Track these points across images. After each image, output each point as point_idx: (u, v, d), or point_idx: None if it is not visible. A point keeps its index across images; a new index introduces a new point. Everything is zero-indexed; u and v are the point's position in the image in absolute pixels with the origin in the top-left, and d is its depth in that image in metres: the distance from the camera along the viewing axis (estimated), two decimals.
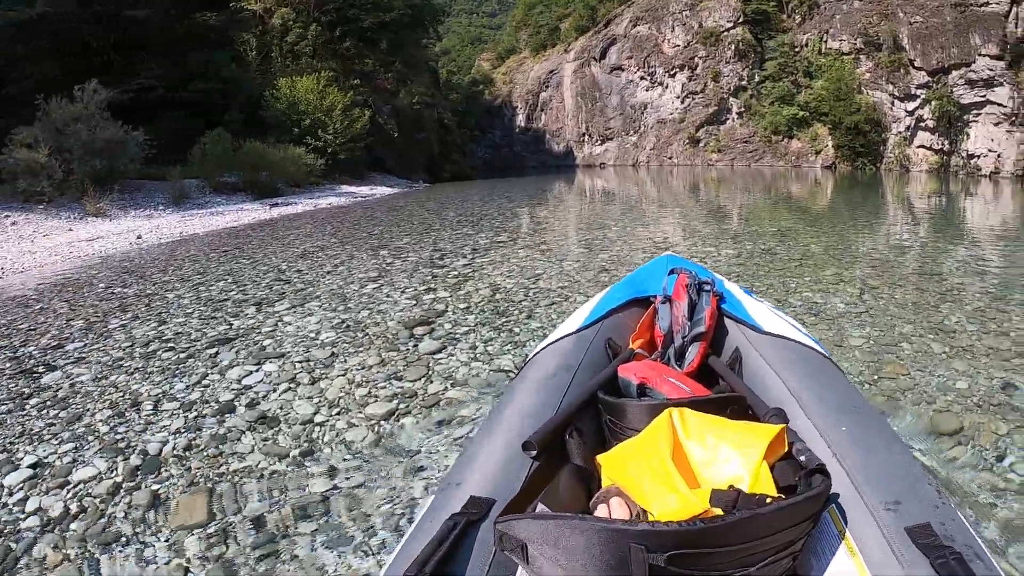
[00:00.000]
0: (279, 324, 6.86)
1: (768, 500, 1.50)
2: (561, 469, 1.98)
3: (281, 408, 4.67)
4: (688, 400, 2.09)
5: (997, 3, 44.21)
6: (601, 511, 1.71)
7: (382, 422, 4.36)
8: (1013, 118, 43.34)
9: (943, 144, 47.77)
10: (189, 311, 7.69)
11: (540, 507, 1.75)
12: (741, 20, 60.97)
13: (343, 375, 5.27)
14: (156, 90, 28.84)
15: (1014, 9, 43.99)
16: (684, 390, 2.26)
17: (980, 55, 44.24)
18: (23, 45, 26.47)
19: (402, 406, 4.58)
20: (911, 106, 49.03)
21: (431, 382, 5.04)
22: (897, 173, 47.39)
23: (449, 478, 1.95)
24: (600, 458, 1.90)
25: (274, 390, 5.01)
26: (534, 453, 1.92)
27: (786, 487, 1.70)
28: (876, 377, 4.89)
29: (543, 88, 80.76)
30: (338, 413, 4.55)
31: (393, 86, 42.84)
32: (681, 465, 1.66)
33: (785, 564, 1.52)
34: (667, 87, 66.09)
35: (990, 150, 44.79)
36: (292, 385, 5.09)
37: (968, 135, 46.07)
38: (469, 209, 19.36)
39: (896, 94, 49.57)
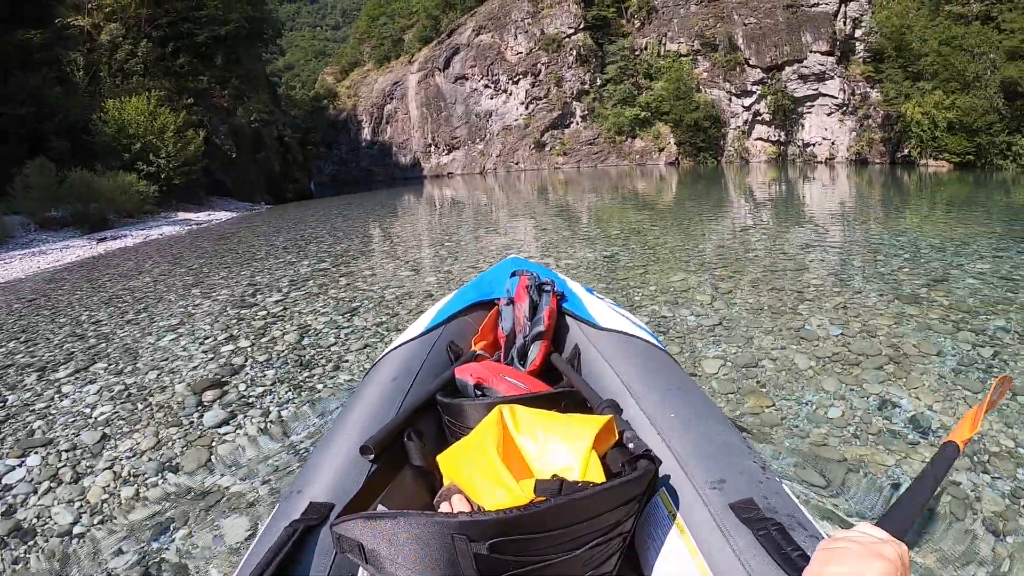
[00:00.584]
0: (56, 397, 5.73)
1: (590, 486, 1.49)
2: (401, 471, 2.02)
3: (38, 516, 3.76)
4: (521, 396, 2.18)
5: (827, 3, 46.53)
6: (443, 509, 1.69)
7: (147, 533, 3.47)
8: (844, 108, 45.64)
9: (780, 135, 50.45)
10: None
11: (380, 508, 1.78)
12: (582, 26, 61.72)
13: (110, 467, 4.29)
14: None
15: (842, 8, 46.29)
16: (520, 387, 2.29)
17: (811, 52, 46.76)
18: None
19: (173, 511, 3.66)
20: (748, 102, 51.52)
21: (211, 471, 4.11)
22: (738, 165, 49.86)
23: (291, 486, 1.96)
24: (438, 458, 1.85)
25: (35, 491, 4.06)
26: (372, 456, 1.96)
27: (616, 473, 1.69)
28: (738, 412, 4.37)
29: (388, 100, 79.89)
30: (100, 522, 3.64)
31: (230, 103, 40.78)
32: (513, 459, 1.68)
33: (615, 546, 1.55)
34: (511, 94, 66.12)
35: (824, 138, 47.63)
36: (53, 484, 4.14)
37: (803, 126, 49.01)
38: (300, 232, 18.12)
39: (733, 91, 51.81)
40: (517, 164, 64.74)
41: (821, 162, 47.04)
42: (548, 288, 2.91)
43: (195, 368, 6.15)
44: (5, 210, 22.87)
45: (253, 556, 1.62)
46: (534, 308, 2.83)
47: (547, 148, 63.16)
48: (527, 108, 64.86)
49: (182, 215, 29.47)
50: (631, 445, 1.79)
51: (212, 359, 6.37)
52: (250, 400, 5.24)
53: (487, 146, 68.39)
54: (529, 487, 1.50)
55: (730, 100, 52.67)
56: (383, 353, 2.97)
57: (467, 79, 69.40)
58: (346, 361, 5.99)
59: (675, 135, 54.55)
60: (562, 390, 2.37)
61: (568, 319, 2.96)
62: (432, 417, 2.31)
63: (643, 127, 57.33)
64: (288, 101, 68.51)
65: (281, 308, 8.42)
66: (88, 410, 5.30)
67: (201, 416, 4.99)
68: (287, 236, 17.29)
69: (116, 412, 5.21)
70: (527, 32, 64.58)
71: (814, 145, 48.78)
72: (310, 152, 60.39)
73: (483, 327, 3.04)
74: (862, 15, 46.78)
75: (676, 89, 53.21)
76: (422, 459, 2.07)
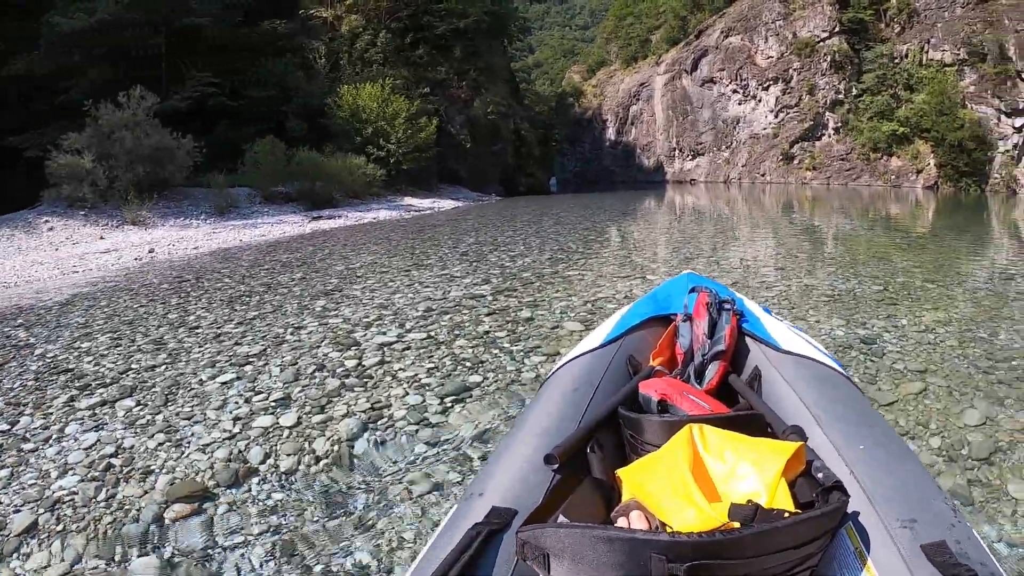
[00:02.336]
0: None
1: (786, 515, 1.49)
2: (582, 482, 1.97)
3: None
4: (707, 417, 2.10)
5: None
6: (621, 524, 1.65)
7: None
8: None
9: None
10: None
11: (561, 519, 1.73)
12: (837, 30, 58.63)
13: None
14: (215, 97, 28.77)
15: None
16: (704, 407, 2.26)
17: None
18: (81, 53, 26.57)
19: None
20: (1019, 122, 45.97)
21: None
22: (1004, 195, 44.03)
23: (471, 489, 1.93)
24: (620, 472, 1.84)
25: None
26: (556, 466, 1.91)
27: (804, 503, 1.71)
28: None
29: (633, 101, 79.88)
30: None
31: (467, 95, 41.51)
32: (701, 480, 1.65)
33: None
34: (760, 100, 64.17)
35: None
36: None
37: None
38: (497, 236, 16.20)
39: (1003, 109, 46.56)
40: (763, 175, 62.78)
41: None
42: (728, 307, 2.91)
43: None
44: (234, 183, 24.23)
45: (432, 555, 1.62)
46: (713, 326, 2.82)
47: (795, 161, 60.60)
48: (776, 116, 62.61)
49: (407, 200, 30.41)
50: (820, 475, 1.75)
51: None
52: None
53: (733, 154, 66.82)
54: (720, 510, 1.49)
55: (999, 119, 47.19)
56: (561, 362, 2.96)
57: (715, 83, 68.15)
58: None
59: (935, 156, 50.01)
60: (746, 412, 2.29)
61: (748, 340, 2.90)
62: (612, 430, 2.29)
63: (900, 144, 53.42)
64: (533, 97, 69.39)
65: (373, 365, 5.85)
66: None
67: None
68: (483, 237, 16.16)
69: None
70: (778, 35, 62.42)
71: None
72: (552, 148, 60.94)
73: (661, 342, 2.97)
74: None
75: (939, 103, 48.41)
76: (603, 472, 2.07)
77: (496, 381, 5.19)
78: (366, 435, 4.31)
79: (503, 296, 8.16)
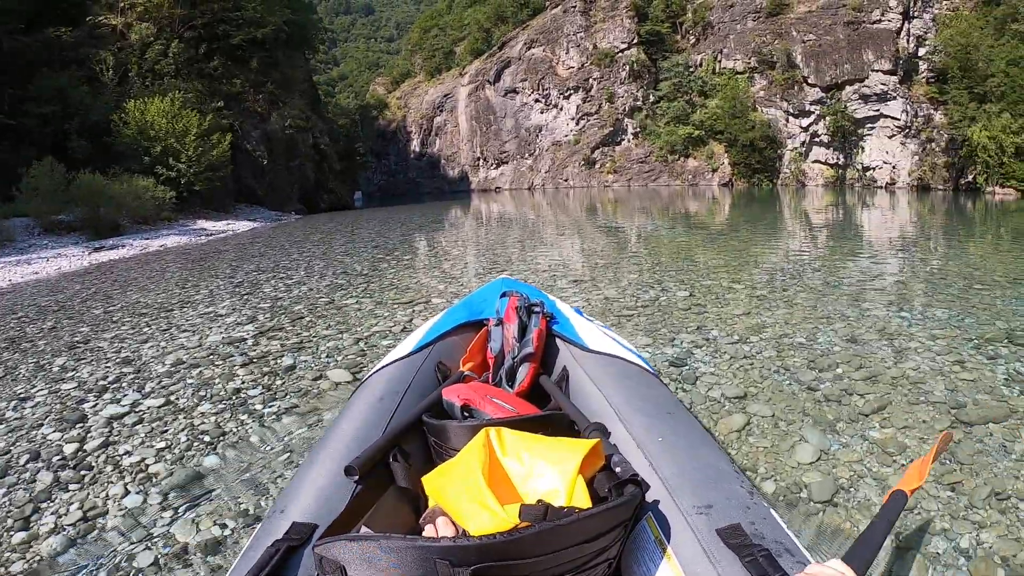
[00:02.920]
0: None
1: (576, 512, 1.49)
2: (385, 492, 2.01)
3: None
4: (508, 419, 2.13)
5: (889, 20, 44.68)
6: (428, 531, 1.69)
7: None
8: (907, 130, 43.73)
9: (838, 158, 48.23)
10: None
11: (364, 530, 1.79)
12: (636, 41, 60.63)
13: None
14: None
15: (905, 25, 44.57)
16: (508, 409, 2.27)
17: (873, 71, 44.76)
18: None
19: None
20: (806, 122, 49.34)
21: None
22: (794, 188, 47.33)
23: (274, 506, 1.91)
24: (424, 479, 1.80)
25: None
26: (356, 477, 1.92)
27: (603, 498, 1.70)
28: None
29: (438, 112, 79.71)
30: None
31: (264, 109, 39.55)
32: (500, 483, 1.65)
33: (600, 572, 1.56)
34: (562, 109, 65.28)
35: (885, 162, 45.44)
36: None
37: (863, 148, 46.69)
38: (281, 260, 14.69)
39: (791, 111, 49.78)
40: (566, 180, 63.85)
41: (881, 187, 44.98)
42: (538, 309, 2.95)
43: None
44: (10, 213, 21.97)
45: (236, 574, 1.60)
46: (523, 329, 2.85)
47: (597, 165, 61.99)
48: (578, 124, 63.89)
49: (200, 223, 28.18)
50: (618, 469, 1.78)
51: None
52: None
53: (536, 161, 67.58)
54: (514, 512, 1.46)
55: (787, 120, 50.71)
56: (371, 372, 2.96)
57: (518, 93, 68.82)
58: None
59: (729, 155, 52.87)
60: (550, 413, 2.35)
61: (558, 341, 2.97)
62: (418, 438, 2.31)
63: (696, 146, 55.85)
64: (335, 110, 68.03)
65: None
66: None
67: None
68: (265, 263, 14.38)
69: None
70: (579, 46, 63.72)
71: (874, 169, 46.63)
72: (357, 162, 59.58)
73: (472, 348, 3.01)
74: (926, 33, 44.56)
75: (732, 107, 51.49)
76: (407, 480, 2.06)
77: (237, 461, 4.00)
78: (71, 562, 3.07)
79: (266, 338, 6.83)
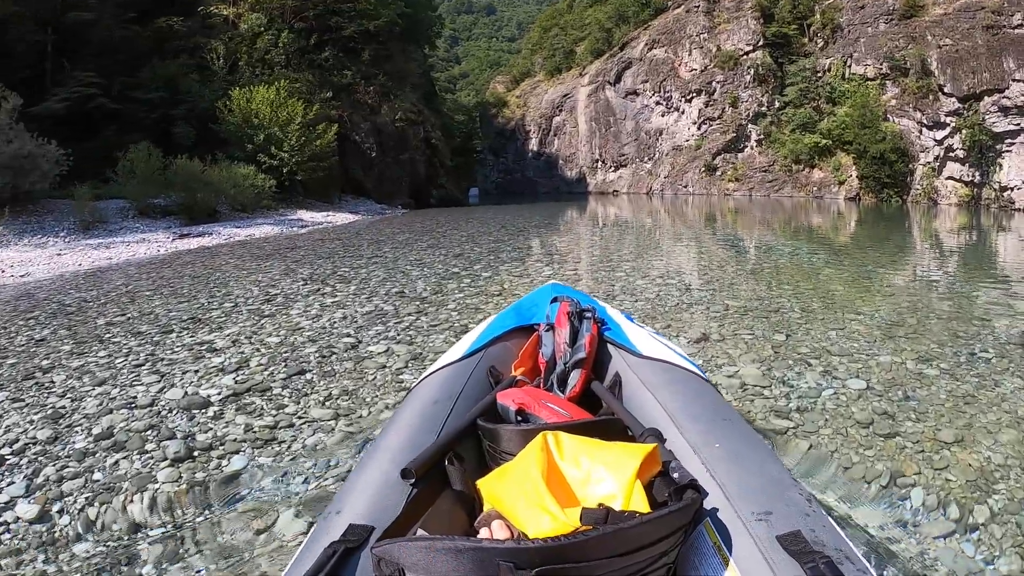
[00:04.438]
0: None
1: (637, 515, 1.51)
2: (441, 495, 2.01)
3: None
4: (564, 424, 2.15)
5: None
6: (483, 534, 1.67)
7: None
8: None
9: (974, 176, 44.49)
10: None
11: (420, 532, 1.80)
12: (761, 43, 58.50)
13: None
14: (96, 99, 26.64)
15: None
16: (562, 414, 2.28)
17: (1015, 80, 41.49)
18: None
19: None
20: (940, 135, 45.56)
21: None
22: (924, 206, 44.03)
23: (330, 507, 1.91)
24: (479, 483, 1.85)
25: None
26: (413, 480, 1.93)
27: (661, 503, 1.73)
28: None
29: (557, 112, 79.17)
30: None
31: (375, 101, 39.30)
32: (557, 487, 1.67)
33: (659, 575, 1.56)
34: (683, 112, 63.61)
35: None
36: None
37: (1001, 166, 42.95)
38: (338, 266, 12.96)
39: (924, 122, 46.25)
40: (686, 187, 62.16)
41: (1019, 210, 40.56)
42: (589, 315, 2.97)
43: None
44: (108, 194, 22.23)
45: (293, 574, 1.61)
46: (575, 335, 2.86)
47: (718, 172, 60.15)
48: (699, 128, 62.13)
49: (300, 214, 28.02)
50: (676, 475, 1.77)
51: None
52: None
53: (655, 166, 66.13)
54: (574, 515, 1.49)
55: (920, 132, 46.87)
56: (423, 376, 2.96)
57: (638, 95, 67.50)
58: None
59: (857, 167, 49.85)
60: (604, 418, 2.37)
61: (609, 347, 2.98)
62: (472, 442, 2.28)
63: (823, 156, 53.21)
64: (453, 106, 68.16)
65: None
66: None
67: None
68: (332, 265, 13.08)
69: None
70: (702, 48, 61.98)
71: (1012, 189, 42.07)
72: (472, 159, 59.57)
73: (523, 352, 3.04)
74: None
75: (861, 116, 48.45)
76: (462, 484, 2.05)
77: None
78: None
79: (234, 408, 4.81)
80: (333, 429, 4.36)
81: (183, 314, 8.06)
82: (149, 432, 4.38)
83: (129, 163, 23.16)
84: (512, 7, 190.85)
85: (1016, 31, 41.84)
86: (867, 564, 1.56)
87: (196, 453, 4.02)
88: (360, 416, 4.58)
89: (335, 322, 7.50)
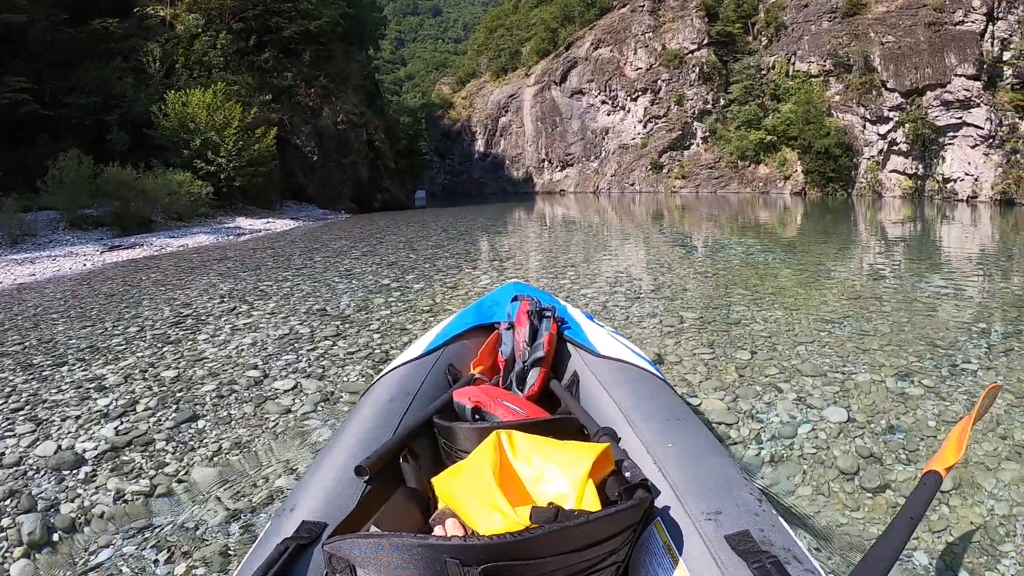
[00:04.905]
0: None
1: (587, 514, 1.50)
2: (395, 492, 2.01)
3: None
4: (519, 422, 2.16)
5: (972, 22, 42.45)
6: (438, 532, 1.69)
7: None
8: (991, 140, 41.40)
9: (917, 168, 45.37)
10: None
11: (373, 529, 1.77)
12: (706, 42, 59.05)
13: None
14: (26, 106, 25.49)
15: (990, 27, 42.33)
16: (518, 413, 2.28)
17: (956, 75, 42.30)
18: None
19: None
20: (883, 129, 46.68)
21: None
22: (869, 199, 44.63)
23: (283, 504, 1.91)
24: (434, 481, 1.80)
25: None
26: (367, 477, 1.94)
27: (613, 502, 1.70)
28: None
29: (503, 113, 78.91)
30: None
31: (316, 103, 38.44)
32: (510, 485, 1.67)
33: (609, 574, 1.56)
34: (629, 111, 63.91)
35: (967, 174, 42.64)
36: None
37: (944, 159, 43.89)
38: (287, 270, 12.90)
39: (868, 117, 47.26)
40: (632, 185, 62.46)
41: (962, 200, 42.04)
42: (549, 314, 2.98)
43: None
44: (39, 205, 21.33)
45: (246, 571, 1.60)
46: (534, 333, 2.87)
47: (664, 170, 60.41)
48: (645, 127, 62.40)
49: (238, 221, 27.04)
50: (627, 474, 1.77)
51: None
52: None
53: (602, 164, 66.32)
54: (525, 514, 1.48)
55: (864, 127, 48.04)
56: (381, 374, 2.96)
57: (584, 94, 67.65)
58: None
59: (803, 163, 50.61)
60: (560, 417, 2.39)
61: (568, 345, 2.98)
62: (428, 440, 2.30)
63: (768, 152, 53.87)
64: (398, 108, 67.57)
65: None
66: None
67: None
68: (259, 277, 12.15)
69: None
70: (648, 47, 62.19)
71: (955, 181, 43.48)
72: (418, 161, 58.98)
73: (482, 351, 3.01)
74: (1011, 35, 41.69)
75: (805, 112, 49.29)
76: (417, 481, 2.08)
77: None
78: None
79: (110, 471, 3.93)
80: (215, 502, 3.48)
81: (83, 341, 7.19)
82: (8, 501, 3.60)
83: (59, 172, 22.03)
84: (458, 8, 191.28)
85: (958, 28, 42.95)
86: (815, 564, 1.56)
87: (55, 537, 3.24)
88: (252, 485, 3.64)
89: (243, 350, 6.54)
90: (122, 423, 4.65)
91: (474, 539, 1.35)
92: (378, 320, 7.79)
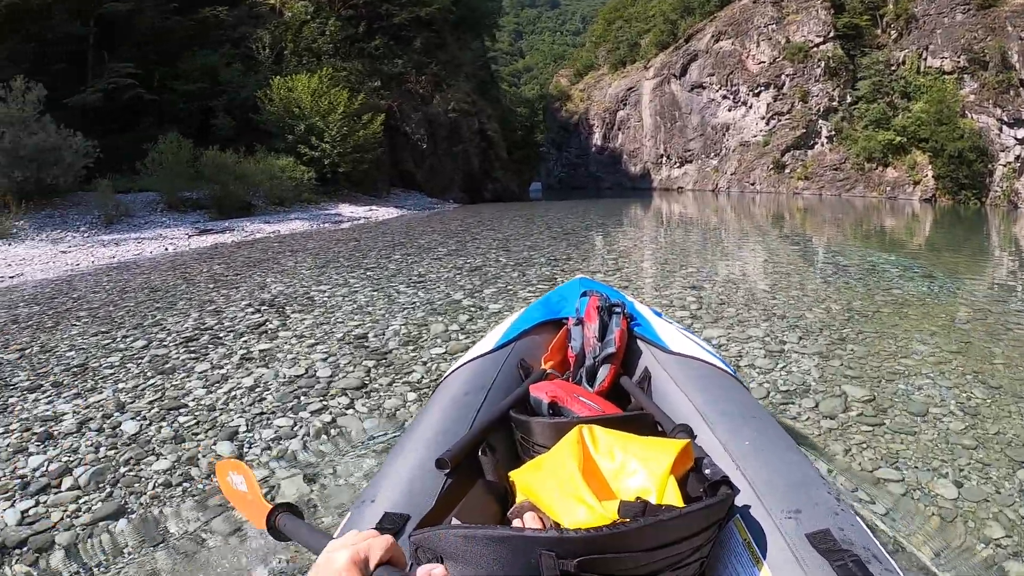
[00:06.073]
0: None
1: (675, 509, 1.51)
2: (474, 485, 2.03)
3: None
4: (597, 418, 2.12)
5: None
6: (516, 525, 1.63)
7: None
8: None
9: None
10: None
11: (454, 522, 1.79)
12: (832, 35, 56.52)
13: None
14: (132, 90, 25.95)
15: None
16: (594, 408, 2.27)
17: None
18: None
19: None
20: (1022, 133, 43.66)
21: None
22: (1005, 209, 41.22)
23: (363, 496, 1.91)
24: (512, 474, 1.84)
25: None
26: (447, 470, 1.94)
27: (694, 498, 1.73)
28: None
29: (621, 106, 77.71)
30: None
31: (426, 91, 37.96)
32: (592, 479, 1.67)
33: (692, 571, 1.56)
34: (751, 107, 61.79)
35: None
36: None
37: None
38: (355, 271, 11.63)
39: (1004, 119, 44.21)
40: (753, 184, 60.37)
41: None
42: (619, 310, 2.95)
43: None
44: (138, 187, 21.72)
45: None
46: (604, 329, 2.84)
47: (787, 170, 58.20)
48: (767, 124, 60.24)
49: (340, 208, 26.88)
50: (708, 471, 1.79)
51: None
52: None
53: (722, 162, 64.46)
54: (611, 508, 1.50)
55: (1000, 130, 44.64)
56: (453, 367, 2.94)
57: (704, 88, 65.91)
58: None
59: (933, 167, 47.51)
60: (636, 413, 2.32)
61: (639, 342, 2.96)
62: (505, 433, 2.29)
63: (897, 154, 51.00)
64: (515, 98, 67.23)
65: None
66: None
67: None
68: (324, 277, 11.01)
69: None
70: (771, 39, 60.11)
71: None
72: (534, 152, 58.56)
73: (552, 346, 3.01)
74: None
75: (937, 112, 46.05)
76: (495, 475, 2.07)
77: None
78: None
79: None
80: None
81: (80, 356, 6.20)
82: None
83: (158, 155, 22.35)
84: (576, 1, 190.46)
85: None
86: (894, 564, 1.53)
87: None
88: None
89: (234, 399, 5.04)
90: (36, 504, 3.46)
91: (570, 532, 1.34)
92: (424, 364, 5.88)
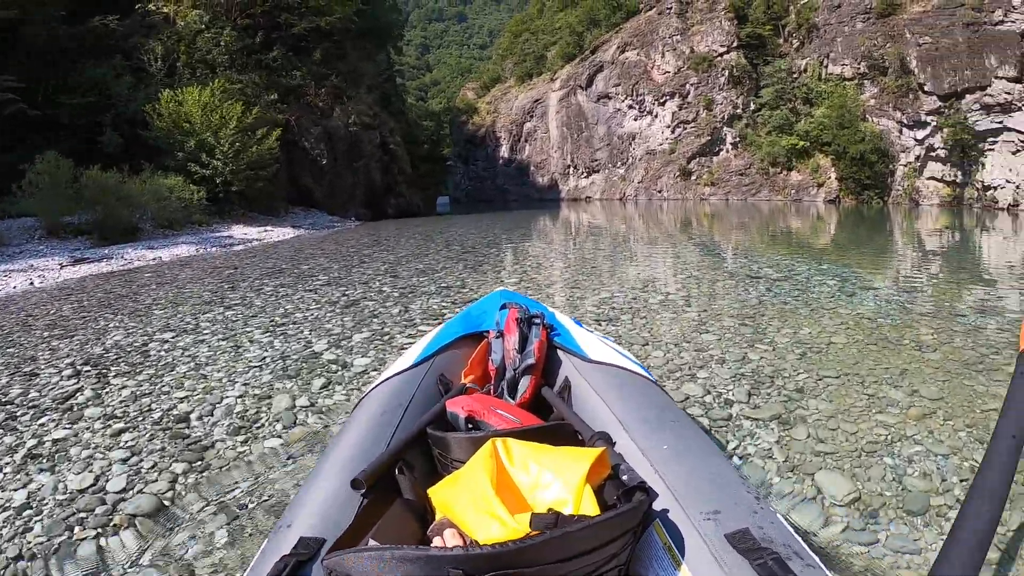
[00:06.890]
0: None
1: (586, 519, 1.51)
2: (392, 505, 1.99)
3: None
4: (513, 430, 2.14)
5: (1013, 21, 40.62)
6: (436, 543, 1.67)
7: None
8: None
9: (956, 175, 43.32)
10: None
11: (372, 543, 1.75)
12: (735, 45, 57.44)
13: None
14: (13, 105, 24.18)
15: None
16: (512, 420, 2.28)
17: (996, 78, 40.40)
18: None
19: None
20: (921, 134, 44.68)
21: None
22: (906, 207, 42.85)
23: (280, 521, 1.89)
24: (430, 491, 1.87)
25: None
26: (363, 490, 1.93)
27: (611, 506, 1.72)
28: None
29: (528, 118, 77.52)
30: None
31: (326, 104, 36.77)
32: (507, 493, 1.67)
33: None
34: (657, 116, 62.22)
35: (1008, 181, 40.57)
36: None
37: (983, 165, 41.93)
38: (220, 306, 10.10)
39: (904, 121, 45.36)
40: (660, 192, 60.81)
41: (1003, 209, 39.62)
42: (538, 321, 2.99)
43: None
44: (17, 212, 20.25)
45: None
46: (524, 341, 2.87)
47: (693, 176, 58.89)
48: (673, 132, 60.76)
49: (233, 230, 25.26)
50: (625, 477, 1.79)
51: None
52: None
53: (629, 171, 64.74)
54: (524, 521, 1.49)
55: (900, 132, 45.96)
56: (372, 386, 2.92)
57: (610, 98, 66.12)
58: None
59: (836, 169, 49.04)
60: (554, 423, 2.36)
61: (558, 352, 2.99)
62: (423, 450, 2.29)
63: (800, 158, 52.28)
64: (420, 112, 66.71)
65: None
66: None
67: None
68: (189, 313, 9.70)
69: None
70: (675, 50, 60.62)
71: (995, 188, 41.19)
72: (440, 166, 58.08)
73: (473, 360, 3.02)
74: None
75: (839, 117, 47.42)
76: (413, 493, 2.06)
77: None
78: None
79: None
80: None
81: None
82: None
83: (35, 175, 20.30)
84: (483, 15, 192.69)
85: (997, 28, 41.18)
86: (816, 559, 1.53)
87: None
88: None
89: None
90: None
91: (476, 548, 1.34)
92: (250, 466, 4.12)
